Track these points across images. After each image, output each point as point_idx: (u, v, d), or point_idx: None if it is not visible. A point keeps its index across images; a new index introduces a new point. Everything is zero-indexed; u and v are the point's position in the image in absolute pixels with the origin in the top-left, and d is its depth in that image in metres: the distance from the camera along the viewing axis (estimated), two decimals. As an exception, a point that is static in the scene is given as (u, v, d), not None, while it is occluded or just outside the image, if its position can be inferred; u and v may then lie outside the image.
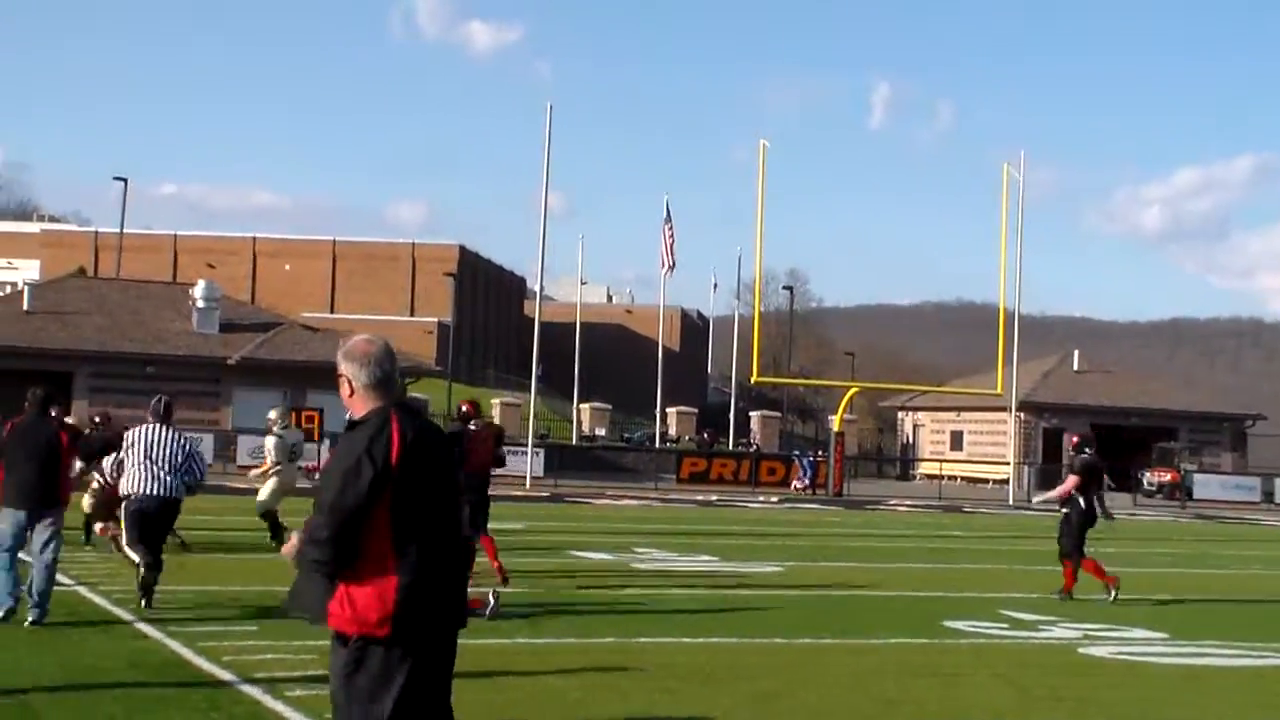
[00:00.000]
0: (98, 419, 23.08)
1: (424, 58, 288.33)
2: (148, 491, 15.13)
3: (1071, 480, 20.14)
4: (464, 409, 18.45)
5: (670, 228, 70.64)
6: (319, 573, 5.69)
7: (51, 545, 13.67)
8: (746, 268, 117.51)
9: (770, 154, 52.04)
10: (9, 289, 75.05)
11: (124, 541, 15.96)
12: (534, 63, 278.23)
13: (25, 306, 59.41)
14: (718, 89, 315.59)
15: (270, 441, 22.85)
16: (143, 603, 14.77)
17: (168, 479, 15.19)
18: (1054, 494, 21.06)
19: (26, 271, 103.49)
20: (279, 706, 9.86)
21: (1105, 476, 21.08)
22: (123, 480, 15.57)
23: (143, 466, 15.19)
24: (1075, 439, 20.90)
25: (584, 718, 9.85)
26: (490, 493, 18.09)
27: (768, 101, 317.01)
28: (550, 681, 11.39)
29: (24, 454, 13.81)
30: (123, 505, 15.63)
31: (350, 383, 5.91)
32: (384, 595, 5.63)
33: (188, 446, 15.52)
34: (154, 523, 15.31)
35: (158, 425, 15.48)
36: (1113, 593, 19.37)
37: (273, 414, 23.28)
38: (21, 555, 13.82)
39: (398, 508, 5.68)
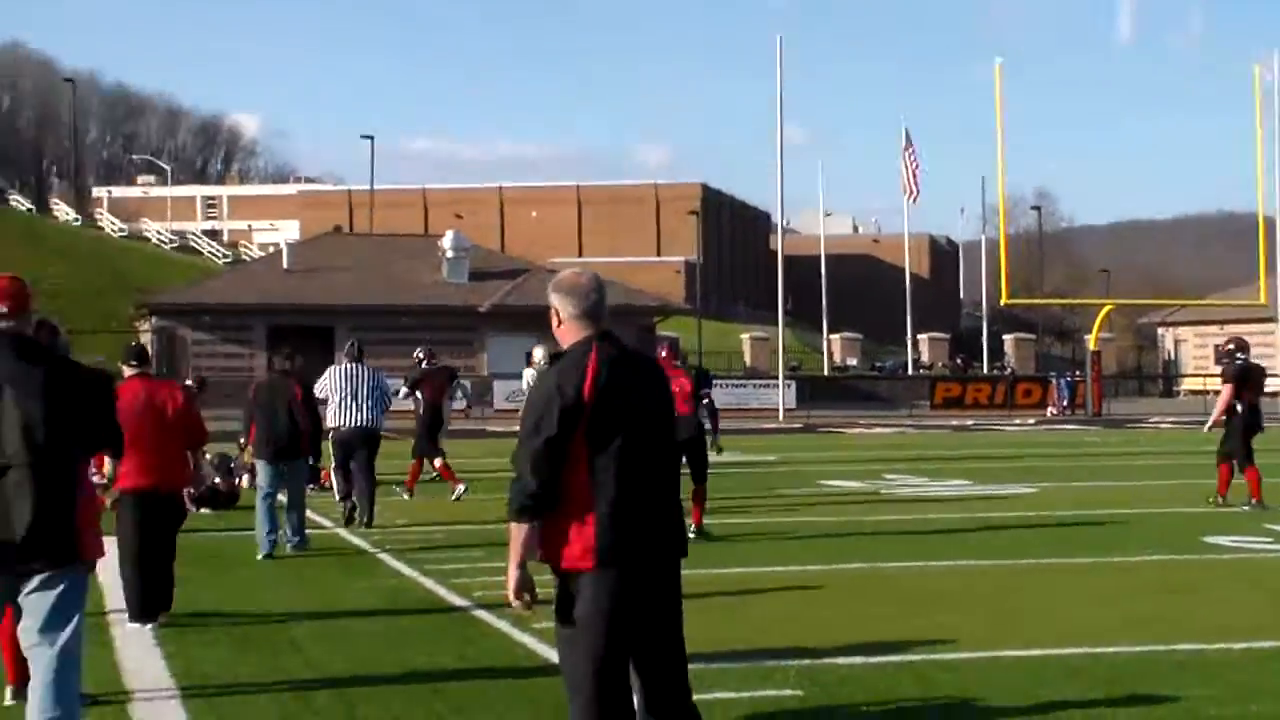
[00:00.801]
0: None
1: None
2: (350, 423, 17.19)
3: (1227, 390, 19.20)
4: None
5: (912, 154, 69.45)
6: (526, 511, 5.66)
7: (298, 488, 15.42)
8: (991, 191, 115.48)
9: (1012, 72, 51.11)
10: (271, 249, 77.38)
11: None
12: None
13: (285, 265, 61.28)
14: (952, 6, 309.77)
15: (528, 375, 22.52)
16: (364, 521, 16.89)
17: (367, 411, 17.23)
18: (1215, 415, 19.94)
19: (287, 232, 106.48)
20: (526, 639, 10.04)
21: (1264, 381, 19.90)
22: (328, 414, 17.14)
23: (344, 402, 17.18)
24: (1228, 345, 19.77)
25: (830, 643, 9.82)
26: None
27: (1004, 17, 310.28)
28: (797, 608, 11.39)
29: (269, 410, 15.17)
30: (330, 437, 17.46)
31: (558, 314, 5.92)
32: (584, 527, 5.62)
33: (381, 383, 17.46)
34: (356, 450, 17.25)
35: (353, 364, 17.32)
36: (1251, 505, 18.79)
37: (538, 352, 21.91)
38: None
39: (594, 439, 5.63)
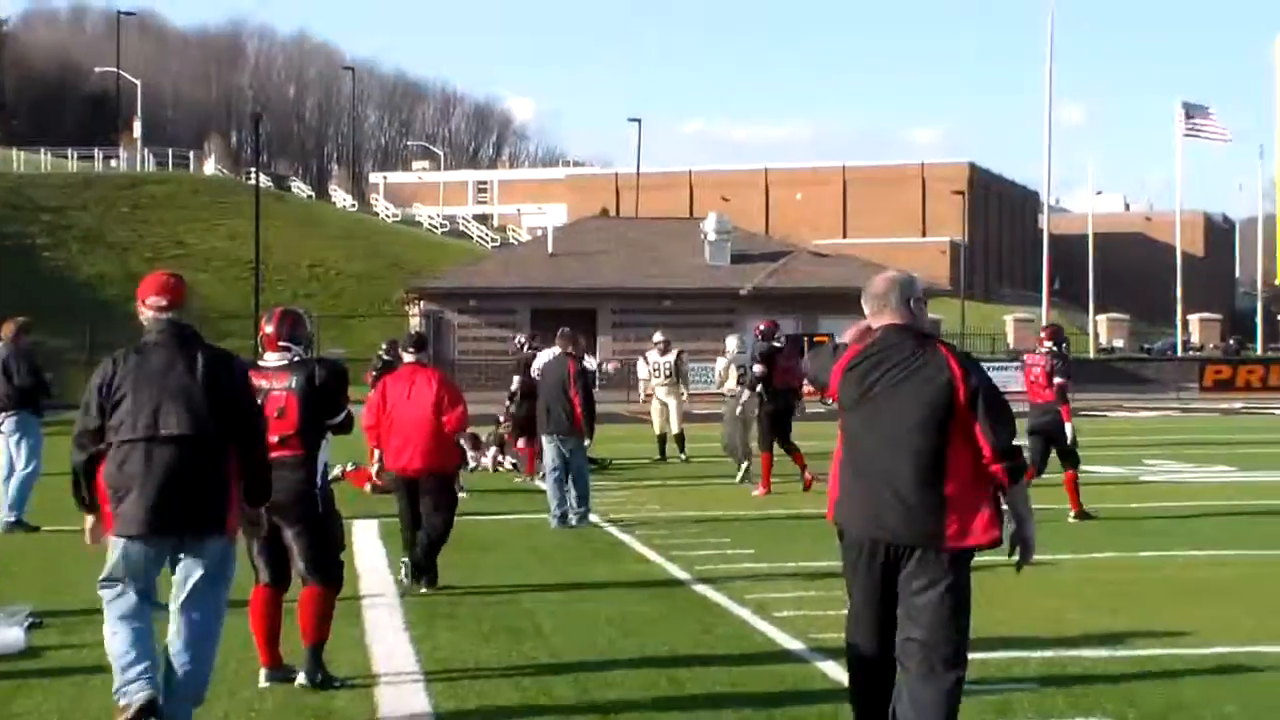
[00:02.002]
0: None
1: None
2: None
3: None
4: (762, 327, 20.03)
5: (1201, 121, 65.78)
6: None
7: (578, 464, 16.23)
8: (1271, 164, 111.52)
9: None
10: (539, 233, 78.65)
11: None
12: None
13: (550, 249, 62.22)
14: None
15: (720, 363, 22.70)
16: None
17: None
18: None
19: (554, 216, 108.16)
20: (764, 626, 10.13)
21: None
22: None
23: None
24: None
25: (1077, 636, 9.70)
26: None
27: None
28: (1045, 599, 11.23)
29: (546, 387, 16.35)
30: None
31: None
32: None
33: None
34: None
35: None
36: None
37: (731, 342, 22.56)
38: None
39: None
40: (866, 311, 6.56)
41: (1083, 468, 22.27)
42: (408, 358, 12.65)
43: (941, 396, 6.24)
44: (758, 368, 19.49)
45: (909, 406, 6.25)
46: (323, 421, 8.47)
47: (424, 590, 11.63)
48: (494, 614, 10.72)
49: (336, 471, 17.15)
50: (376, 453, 12.33)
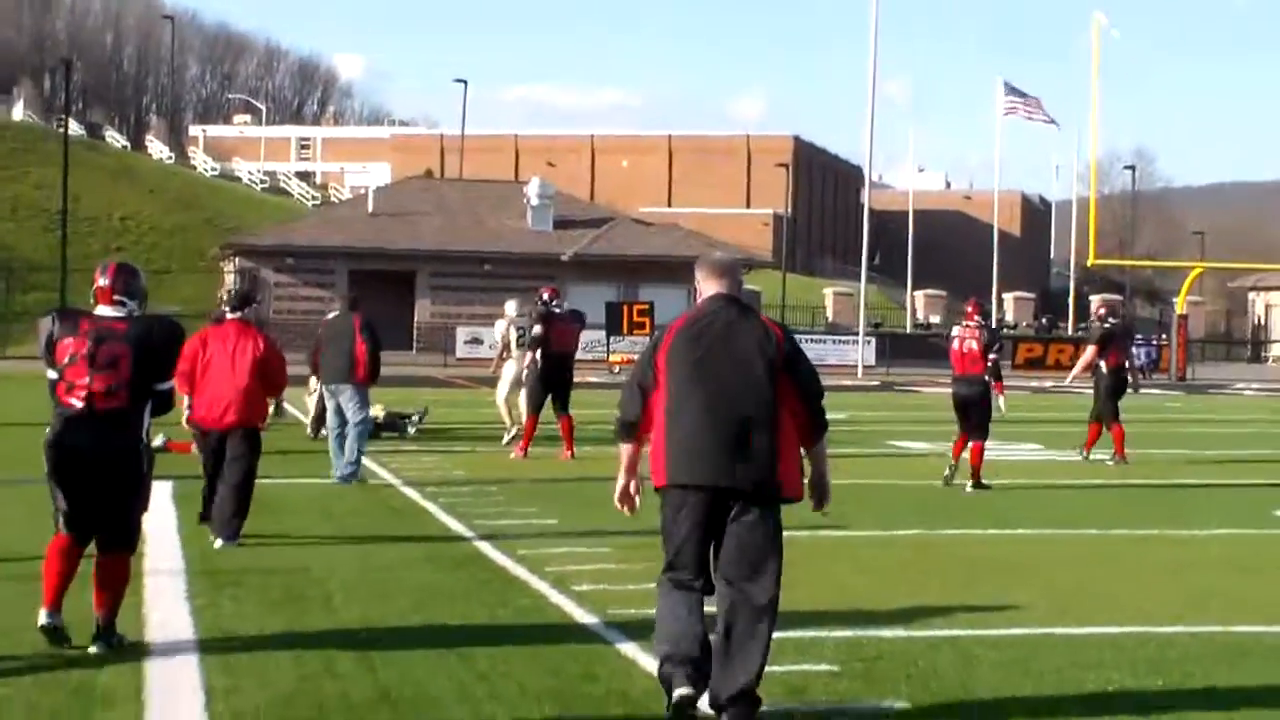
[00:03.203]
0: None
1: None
2: None
3: (1091, 351, 20.62)
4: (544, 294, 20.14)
5: (1021, 103, 66.23)
6: None
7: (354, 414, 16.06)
8: (1088, 148, 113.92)
9: (1120, 27, 50.04)
10: (362, 192, 77.51)
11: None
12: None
13: (370, 209, 61.38)
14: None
15: (499, 326, 22.51)
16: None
17: None
18: (1075, 370, 21.79)
19: (378, 175, 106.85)
20: (562, 600, 9.87)
21: (1131, 344, 20.35)
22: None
23: None
24: (1101, 309, 21.15)
25: (876, 614, 9.58)
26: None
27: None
28: (846, 576, 11.13)
29: (331, 342, 16.36)
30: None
31: None
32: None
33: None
34: None
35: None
36: (1113, 460, 19.96)
37: (510, 305, 22.30)
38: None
39: None
40: (699, 278, 7.20)
41: (891, 442, 22.54)
42: (230, 315, 12.69)
43: (770, 354, 6.84)
44: (536, 329, 19.64)
45: (744, 363, 6.82)
46: (150, 382, 8.25)
47: (219, 545, 11.76)
48: (283, 583, 10.31)
49: (159, 441, 16.49)
50: (186, 399, 12.26)
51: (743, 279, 7.46)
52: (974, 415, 16.93)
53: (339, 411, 16.11)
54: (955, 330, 17.78)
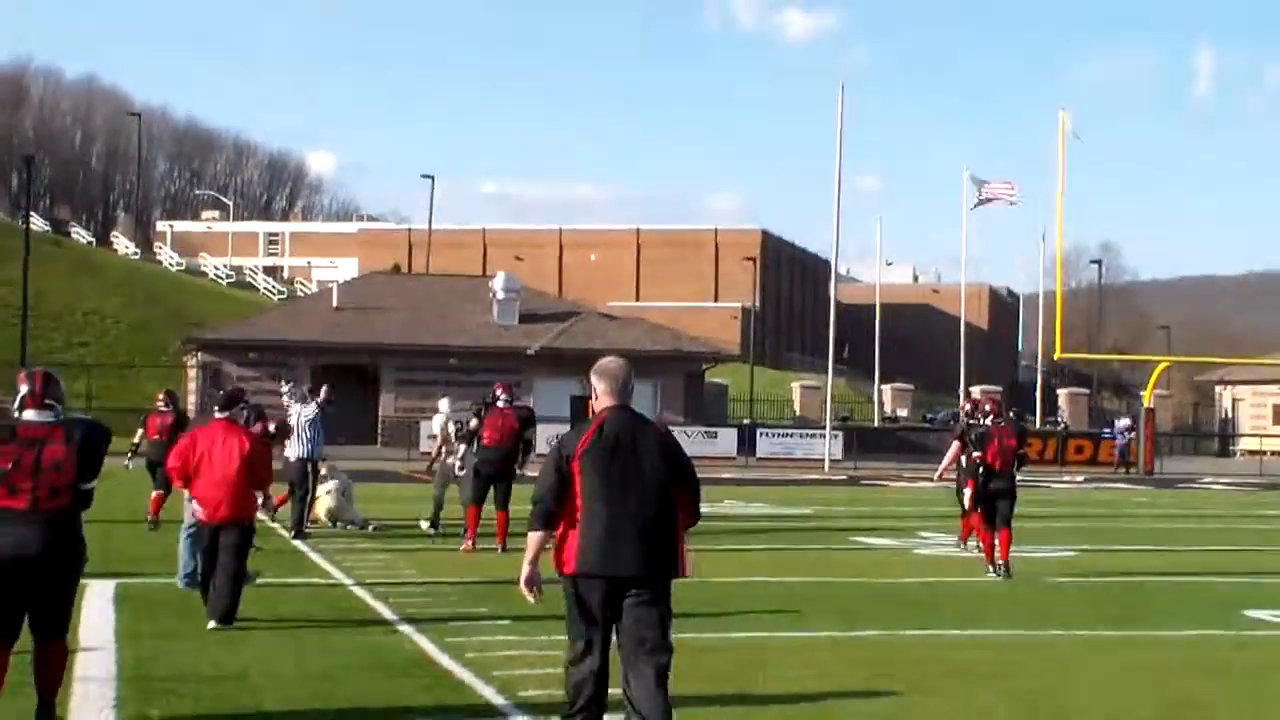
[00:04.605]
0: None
1: (739, 47, 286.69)
2: None
3: (954, 447, 20.07)
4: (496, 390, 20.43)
5: (989, 190, 65.77)
6: None
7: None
8: (1055, 242, 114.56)
9: (1082, 124, 50.39)
10: (330, 286, 77.19)
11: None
12: (843, 48, 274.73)
13: (334, 303, 61.12)
14: (1020, 62, 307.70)
15: (437, 421, 23.49)
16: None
17: None
18: (943, 465, 21.00)
19: (346, 270, 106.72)
20: (503, 703, 9.52)
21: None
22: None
23: None
24: (967, 404, 21.78)
25: (834, 713, 9.25)
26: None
27: (1074, 71, 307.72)
28: (800, 677, 10.79)
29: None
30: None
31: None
32: None
33: None
34: None
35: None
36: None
37: (443, 403, 23.59)
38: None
39: None
40: (597, 388, 8.01)
41: (858, 538, 22.31)
42: (218, 414, 13.27)
43: (667, 461, 7.84)
44: (473, 421, 20.27)
45: (648, 470, 7.77)
46: (81, 483, 8.49)
47: (214, 625, 12.38)
48: (215, 694, 9.90)
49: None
50: (186, 493, 13.33)
51: (633, 384, 8.12)
52: (1005, 507, 17.95)
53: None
54: (976, 423, 18.99)
